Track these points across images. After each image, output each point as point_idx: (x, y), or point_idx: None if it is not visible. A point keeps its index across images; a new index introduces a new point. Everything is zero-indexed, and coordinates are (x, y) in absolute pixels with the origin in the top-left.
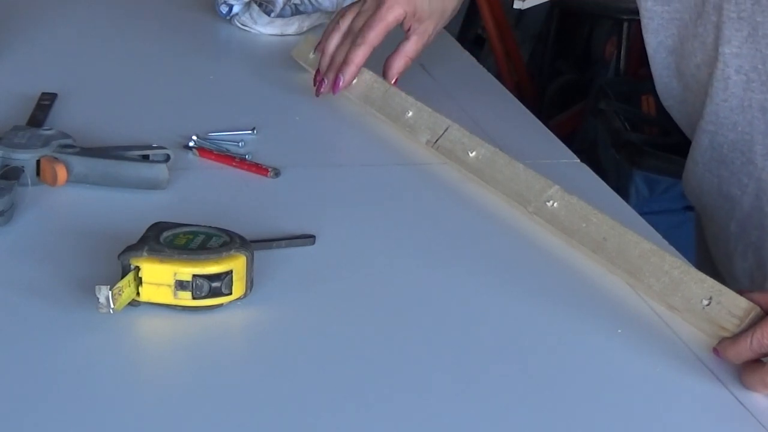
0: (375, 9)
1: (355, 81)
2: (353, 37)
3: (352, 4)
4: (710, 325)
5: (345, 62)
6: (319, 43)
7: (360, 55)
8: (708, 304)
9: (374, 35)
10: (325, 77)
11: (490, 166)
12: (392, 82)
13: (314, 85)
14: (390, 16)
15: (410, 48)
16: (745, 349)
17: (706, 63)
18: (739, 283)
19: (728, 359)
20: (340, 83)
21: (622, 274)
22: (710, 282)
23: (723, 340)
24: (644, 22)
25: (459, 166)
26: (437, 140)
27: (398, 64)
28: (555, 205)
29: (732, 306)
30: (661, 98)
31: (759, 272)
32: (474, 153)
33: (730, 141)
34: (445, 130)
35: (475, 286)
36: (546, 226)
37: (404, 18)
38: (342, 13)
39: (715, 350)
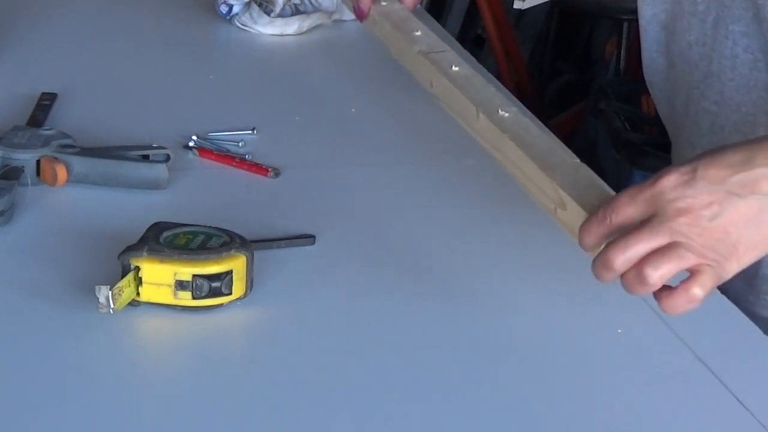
0: None
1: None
2: None
3: None
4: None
5: None
6: None
7: None
8: (599, 205)
9: None
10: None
11: (468, 81)
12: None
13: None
14: None
15: None
16: (593, 223)
17: (698, 42)
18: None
19: (582, 241)
20: (362, 8)
21: (532, 165)
22: (610, 193)
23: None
24: None
25: (440, 76)
26: (429, 53)
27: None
28: (506, 115)
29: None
30: (645, 73)
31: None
32: (457, 69)
33: (733, 122)
34: (442, 51)
35: (475, 285)
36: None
37: None
38: None
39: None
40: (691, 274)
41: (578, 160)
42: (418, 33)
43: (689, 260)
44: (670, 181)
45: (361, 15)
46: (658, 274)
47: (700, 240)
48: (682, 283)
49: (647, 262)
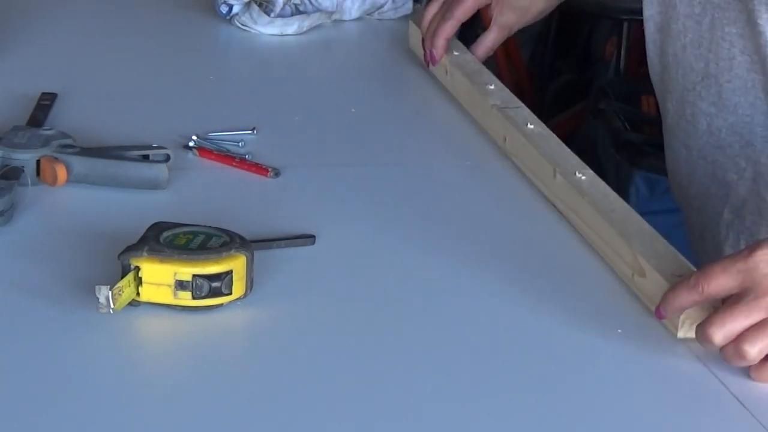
0: None
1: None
2: (443, 12)
3: None
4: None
5: (434, 35)
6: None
7: (447, 29)
8: (679, 276)
9: (461, 11)
10: (424, 48)
11: (543, 140)
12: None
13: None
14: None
15: (489, 39)
16: (683, 289)
17: (694, 44)
18: None
19: (667, 305)
20: (434, 55)
21: (611, 230)
22: (689, 266)
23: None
24: None
25: (516, 132)
26: (504, 108)
27: (478, 54)
28: (583, 178)
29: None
30: (650, 72)
31: None
32: (532, 126)
33: (729, 124)
34: (517, 107)
35: (476, 285)
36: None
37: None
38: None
39: (658, 309)
40: None
41: (654, 230)
42: (492, 86)
43: None
44: (765, 254)
45: (433, 61)
46: (756, 350)
47: None
48: None
49: (745, 339)
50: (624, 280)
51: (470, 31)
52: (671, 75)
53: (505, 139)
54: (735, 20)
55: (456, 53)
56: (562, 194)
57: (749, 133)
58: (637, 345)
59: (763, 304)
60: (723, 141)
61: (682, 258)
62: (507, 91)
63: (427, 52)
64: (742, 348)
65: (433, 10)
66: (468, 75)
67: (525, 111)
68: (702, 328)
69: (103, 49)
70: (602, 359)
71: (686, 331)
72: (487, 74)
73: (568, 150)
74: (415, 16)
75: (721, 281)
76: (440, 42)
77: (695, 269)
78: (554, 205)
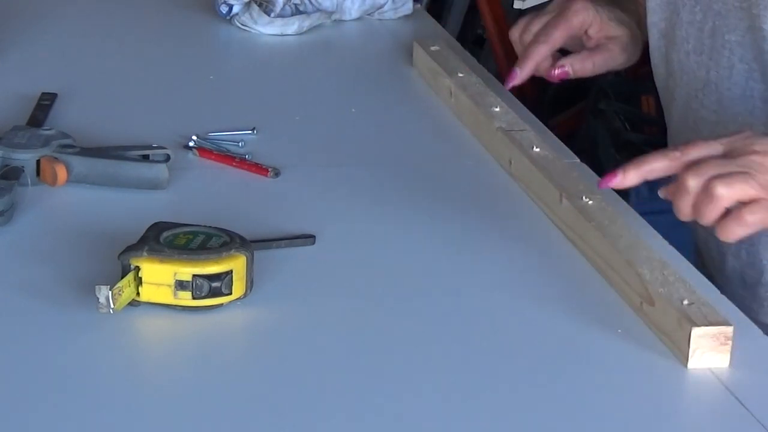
0: (561, 10)
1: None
2: (537, 35)
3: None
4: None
5: (526, 56)
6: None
7: (540, 52)
8: (689, 304)
9: (558, 34)
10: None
11: (549, 164)
12: (556, 73)
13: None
14: (575, 19)
15: (597, 57)
16: (658, 154)
17: (696, 50)
18: (731, 283)
19: (638, 165)
20: (516, 76)
21: (618, 257)
22: (698, 294)
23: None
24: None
25: (521, 156)
26: (509, 131)
27: (576, 64)
28: (590, 202)
29: (708, 313)
30: (655, 79)
31: (752, 270)
32: (538, 150)
33: (730, 132)
34: (522, 130)
35: (476, 285)
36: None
37: (590, 26)
38: (529, 19)
39: (614, 172)
40: (746, 203)
41: (663, 259)
42: (497, 109)
43: (753, 189)
44: (745, 131)
45: (511, 82)
46: (725, 191)
47: (766, 177)
48: (735, 210)
49: (717, 179)
50: (632, 308)
51: (470, 31)
52: (676, 82)
53: (511, 163)
54: (734, 27)
55: (461, 75)
56: (568, 219)
57: None
58: (636, 345)
59: (742, 161)
60: None
61: (692, 285)
62: (512, 113)
63: (514, 70)
64: (712, 187)
65: (534, 27)
66: (472, 97)
67: (531, 134)
68: (678, 178)
69: (103, 49)
70: (602, 359)
71: (697, 362)
72: (492, 96)
73: (575, 174)
74: (422, 40)
75: (702, 148)
76: (529, 66)
77: (705, 296)
78: (561, 230)
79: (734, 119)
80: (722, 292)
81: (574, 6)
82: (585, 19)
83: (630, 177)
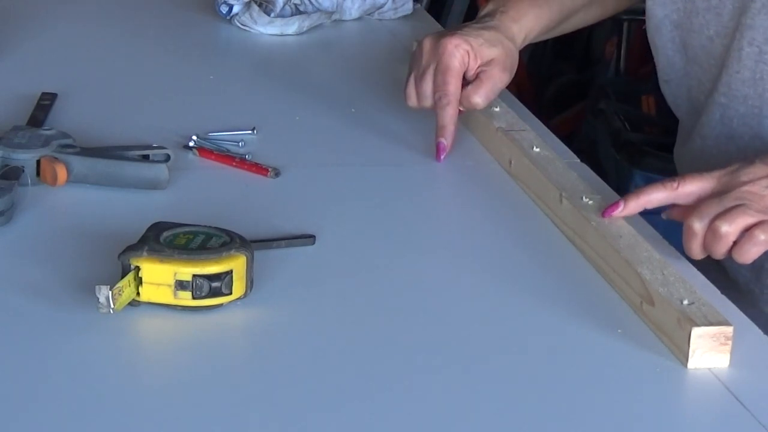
0: (437, 57)
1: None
2: (436, 97)
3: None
4: (680, 322)
5: (440, 127)
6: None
7: (451, 115)
8: (689, 304)
9: (453, 87)
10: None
11: (549, 164)
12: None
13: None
14: (455, 62)
15: (482, 89)
16: (657, 185)
17: (720, 35)
18: (739, 268)
19: (637, 196)
20: (445, 148)
21: (618, 257)
22: (698, 294)
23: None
24: None
25: (521, 156)
26: (509, 131)
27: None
28: (590, 202)
29: (708, 313)
30: (661, 72)
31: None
32: (538, 150)
33: (740, 114)
34: (522, 130)
35: (475, 285)
36: (551, 225)
37: (468, 58)
38: (407, 80)
39: (616, 203)
40: (754, 225)
41: (663, 258)
42: (497, 109)
43: (752, 217)
44: (745, 168)
45: (441, 155)
46: (728, 227)
47: (761, 203)
48: (746, 233)
49: (719, 218)
50: (632, 308)
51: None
52: (702, 66)
53: (511, 163)
54: (746, 10)
55: None
56: (568, 219)
57: (758, 125)
58: (636, 345)
59: (736, 195)
60: (734, 131)
61: (692, 285)
62: (512, 113)
63: (441, 142)
64: (716, 227)
65: (427, 89)
66: None
67: (531, 134)
68: (684, 226)
69: (103, 49)
70: (602, 359)
71: (697, 362)
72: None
73: (575, 174)
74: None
75: (697, 182)
76: (451, 132)
77: (705, 296)
78: (561, 230)
79: (744, 102)
80: (727, 273)
81: (448, 49)
82: (463, 57)
83: (630, 207)
